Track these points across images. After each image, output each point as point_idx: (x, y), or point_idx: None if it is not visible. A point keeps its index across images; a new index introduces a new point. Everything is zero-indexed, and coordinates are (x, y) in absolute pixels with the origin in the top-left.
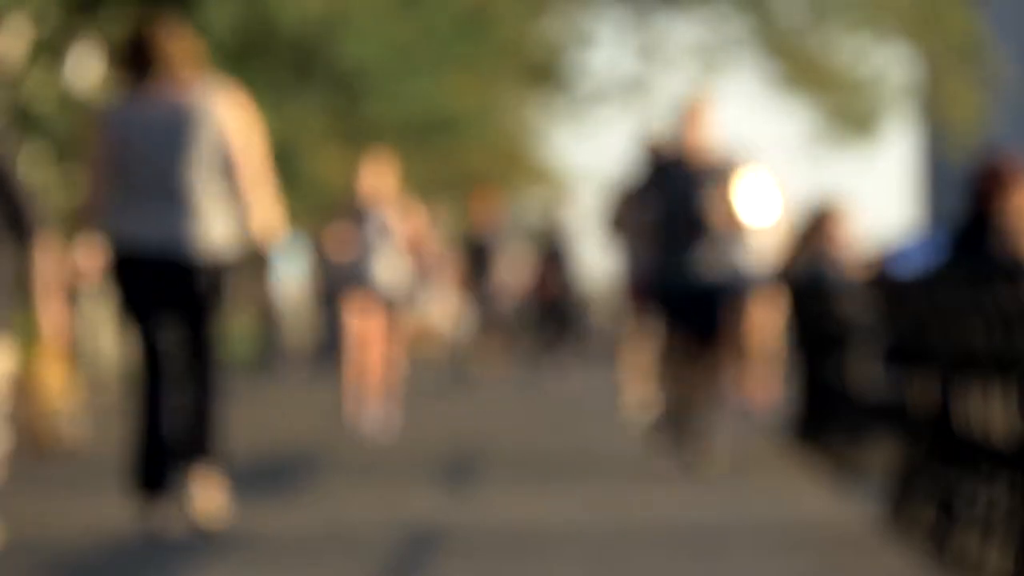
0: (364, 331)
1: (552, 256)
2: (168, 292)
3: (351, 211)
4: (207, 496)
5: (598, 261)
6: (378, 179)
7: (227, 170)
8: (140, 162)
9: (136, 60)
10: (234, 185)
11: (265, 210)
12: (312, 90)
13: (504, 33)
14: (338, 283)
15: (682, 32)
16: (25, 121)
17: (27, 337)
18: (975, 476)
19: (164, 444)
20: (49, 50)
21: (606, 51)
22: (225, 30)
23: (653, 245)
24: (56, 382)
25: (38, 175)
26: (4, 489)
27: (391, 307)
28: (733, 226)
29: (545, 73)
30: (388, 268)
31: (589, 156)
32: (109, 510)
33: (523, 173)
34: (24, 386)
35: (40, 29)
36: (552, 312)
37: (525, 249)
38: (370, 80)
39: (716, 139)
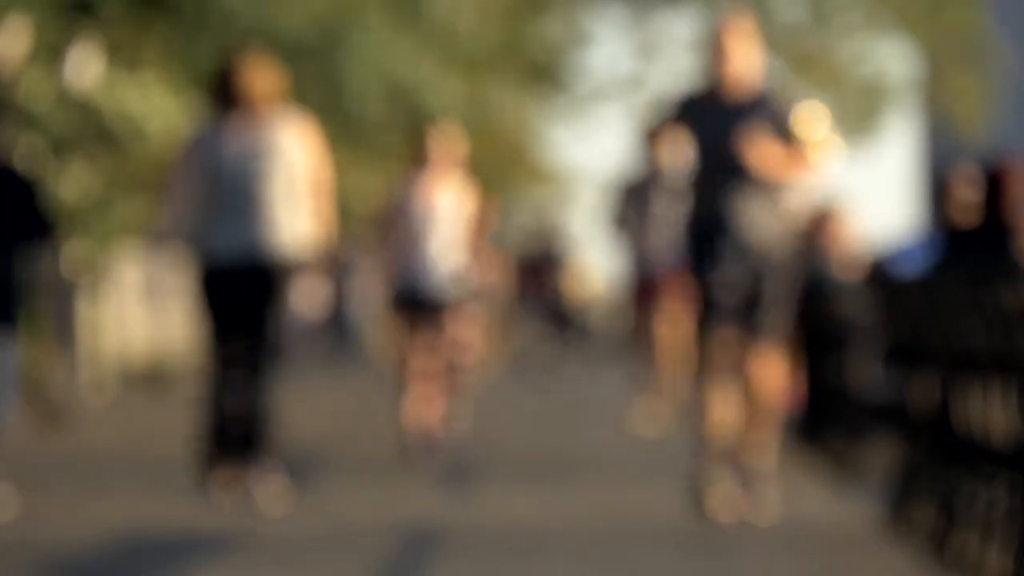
0: (422, 338)
1: (550, 256)
2: (243, 294)
3: (406, 197)
4: (266, 485)
5: (599, 261)
6: (440, 159)
7: (294, 190)
8: (222, 184)
9: (222, 93)
10: (298, 202)
11: (322, 223)
12: (307, 95)
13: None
14: (391, 282)
15: (681, 29)
16: (23, 120)
17: (32, 332)
18: (975, 476)
19: (229, 432)
20: (48, 50)
21: (605, 49)
22: (214, 35)
23: (687, 204)
24: (59, 372)
25: (35, 171)
26: (5, 489)
27: (451, 309)
28: (789, 175)
29: (544, 72)
30: (446, 265)
31: (589, 156)
32: (110, 510)
33: (522, 173)
34: (30, 376)
35: (39, 29)
36: (551, 312)
37: (504, 250)
38: (368, 84)
39: (758, 71)
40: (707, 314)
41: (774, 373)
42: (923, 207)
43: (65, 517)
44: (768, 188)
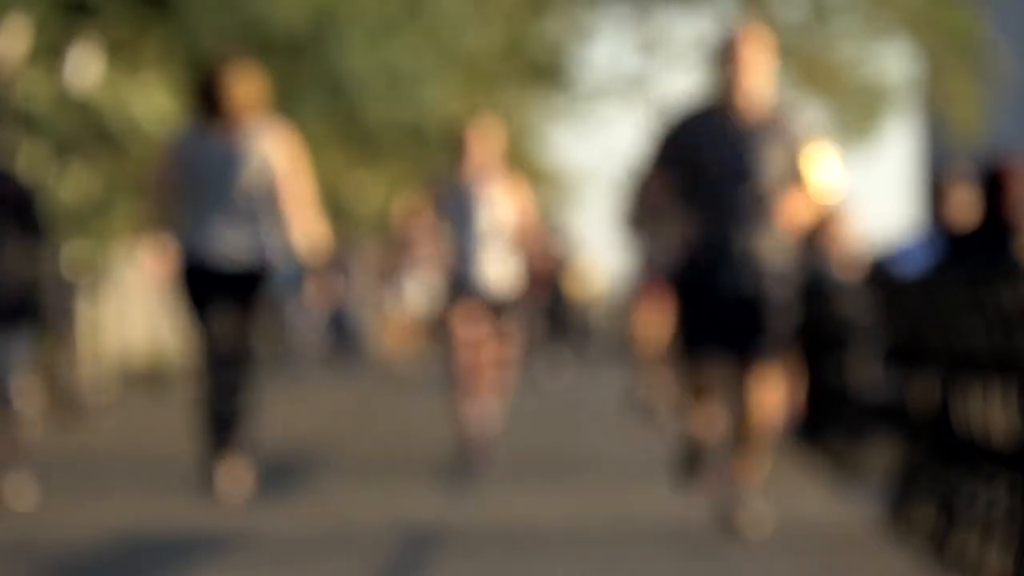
0: (472, 342)
1: (550, 257)
2: (224, 294)
3: (449, 191)
4: (234, 478)
5: (600, 261)
6: (486, 150)
7: (274, 196)
8: (203, 188)
9: (205, 99)
10: (280, 208)
11: (307, 228)
12: (306, 95)
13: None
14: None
15: (683, 27)
16: (23, 120)
17: (42, 330)
18: (975, 476)
19: (222, 414)
20: (48, 50)
21: (607, 48)
22: (213, 35)
23: (684, 228)
24: (73, 362)
25: (36, 173)
26: (23, 479)
27: (500, 313)
28: (800, 212)
29: (546, 72)
30: (497, 266)
31: (591, 156)
32: (110, 510)
33: (524, 173)
34: (45, 365)
35: (39, 29)
36: (551, 312)
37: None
38: (365, 84)
39: (771, 86)
40: (695, 339)
41: (773, 396)
42: (923, 208)
43: (65, 517)
44: (774, 215)
